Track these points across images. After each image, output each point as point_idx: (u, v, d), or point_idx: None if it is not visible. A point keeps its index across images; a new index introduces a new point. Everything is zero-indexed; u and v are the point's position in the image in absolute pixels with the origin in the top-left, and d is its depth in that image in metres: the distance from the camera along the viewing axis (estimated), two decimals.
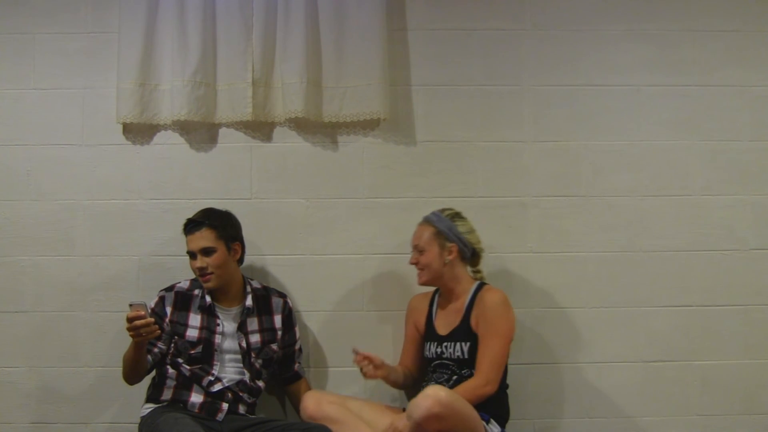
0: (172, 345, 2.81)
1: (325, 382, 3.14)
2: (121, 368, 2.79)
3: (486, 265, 3.13)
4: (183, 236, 2.85)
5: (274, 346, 2.89)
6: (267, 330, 2.89)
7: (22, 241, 3.12)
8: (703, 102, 3.22)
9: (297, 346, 3.00)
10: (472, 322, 2.75)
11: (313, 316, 3.15)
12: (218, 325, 2.81)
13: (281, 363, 2.96)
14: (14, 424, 3.09)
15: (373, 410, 2.77)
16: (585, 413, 3.16)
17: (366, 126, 3.18)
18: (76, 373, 3.10)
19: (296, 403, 2.94)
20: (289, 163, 3.18)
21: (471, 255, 2.86)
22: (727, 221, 3.20)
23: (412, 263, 2.84)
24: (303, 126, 3.17)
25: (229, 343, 2.82)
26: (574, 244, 3.18)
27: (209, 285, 2.80)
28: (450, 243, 2.80)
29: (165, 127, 3.15)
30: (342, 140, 3.19)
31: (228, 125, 3.16)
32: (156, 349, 2.80)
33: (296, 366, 3.01)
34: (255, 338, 2.85)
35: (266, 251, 3.14)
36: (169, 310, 2.83)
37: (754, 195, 3.21)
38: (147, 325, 2.54)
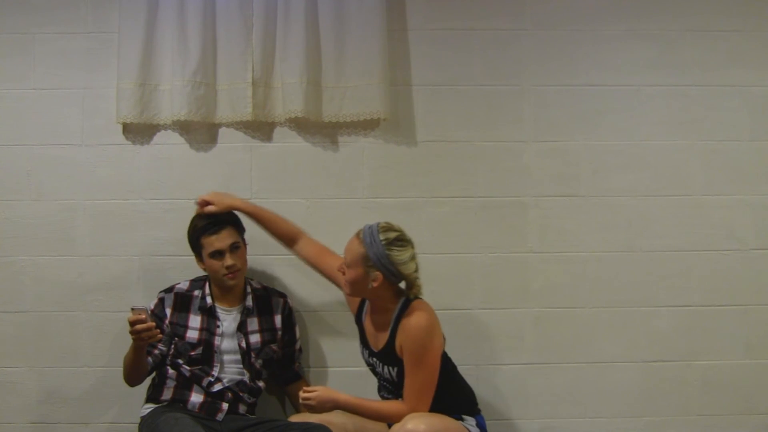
0: (172, 346, 2.81)
1: (324, 383, 3.14)
2: (121, 368, 2.79)
3: (486, 265, 3.15)
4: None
5: (274, 346, 2.89)
6: (267, 330, 2.89)
7: (22, 241, 3.12)
8: (703, 102, 3.22)
9: (297, 346, 3.00)
10: (397, 347, 2.58)
11: (313, 316, 3.15)
12: (218, 326, 2.81)
13: (281, 363, 2.96)
14: (14, 424, 3.09)
15: (359, 420, 2.75)
16: (585, 413, 3.16)
17: (366, 126, 3.18)
18: (76, 373, 3.10)
19: (296, 403, 2.94)
20: (289, 163, 3.18)
21: (404, 281, 2.61)
22: (727, 221, 3.20)
23: (338, 270, 2.67)
24: (303, 126, 3.17)
25: (229, 344, 2.82)
26: (574, 244, 3.18)
27: (234, 282, 2.79)
28: (376, 271, 2.55)
29: (165, 127, 3.15)
30: (342, 140, 3.19)
31: (228, 125, 3.16)
32: (156, 351, 2.80)
33: (296, 366, 3.01)
34: (255, 338, 2.85)
35: (266, 251, 3.13)
36: (168, 311, 2.83)
37: (754, 195, 3.21)
38: (149, 329, 2.54)
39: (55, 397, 3.11)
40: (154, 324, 2.56)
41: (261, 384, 2.88)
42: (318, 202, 3.17)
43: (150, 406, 2.78)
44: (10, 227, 3.13)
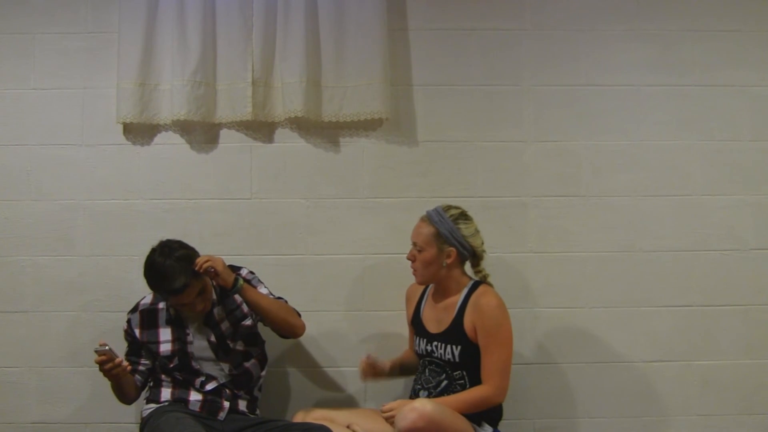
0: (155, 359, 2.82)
1: (325, 382, 3.14)
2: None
3: (486, 265, 3.14)
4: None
5: (247, 321, 2.83)
6: (232, 311, 2.82)
7: (22, 241, 3.12)
8: (703, 102, 3.23)
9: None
10: (466, 326, 2.66)
11: (313, 316, 3.14)
12: (188, 334, 2.79)
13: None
14: (14, 424, 3.10)
15: (362, 417, 2.76)
16: (585, 413, 3.16)
17: (366, 126, 3.18)
18: (76, 373, 3.10)
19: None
20: (289, 163, 3.18)
21: (471, 256, 2.76)
22: (727, 221, 3.20)
23: (408, 259, 2.77)
24: (303, 126, 3.17)
25: (202, 344, 2.79)
26: (574, 244, 3.18)
27: (206, 310, 2.76)
28: (449, 247, 2.69)
29: (165, 127, 3.15)
30: (342, 140, 3.19)
31: (228, 125, 3.16)
32: (141, 367, 2.80)
33: None
34: (225, 325, 2.80)
35: (266, 251, 3.14)
36: (137, 331, 2.80)
37: (754, 195, 3.21)
38: (117, 365, 2.57)
39: (55, 397, 3.11)
40: (120, 360, 2.59)
41: (248, 365, 2.83)
42: (318, 202, 3.17)
43: (151, 407, 2.77)
44: (10, 227, 3.13)
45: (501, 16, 3.22)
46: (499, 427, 2.73)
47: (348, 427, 2.69)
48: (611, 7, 3.23)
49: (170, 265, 2.62)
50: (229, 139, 3.17)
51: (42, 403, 3.10)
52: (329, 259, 3.16)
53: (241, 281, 2.73)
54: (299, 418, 2.75)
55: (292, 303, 3.00)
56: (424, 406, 2.45)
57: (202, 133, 3.16)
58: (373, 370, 2.79)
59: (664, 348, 3.18)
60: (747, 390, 3.17)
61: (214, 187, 3.16)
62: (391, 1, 3.16)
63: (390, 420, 2.54)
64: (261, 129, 3.17)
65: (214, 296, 2.81)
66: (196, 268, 2.64)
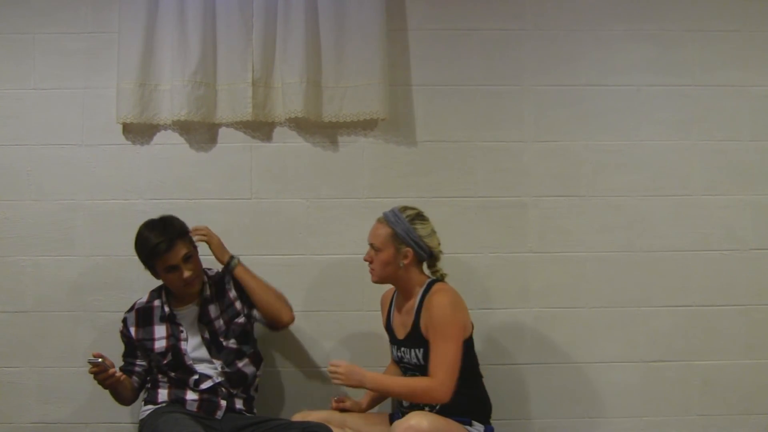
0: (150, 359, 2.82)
1: (323, 383, 3.14)
2: (119, 368, 2.79)
3: (486, 265, 3.15)
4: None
5: (240, 319, 2.84)
6: (226, 309, 2.83)
7: (22, 241, 3.12)
8: (703, 102, 3.23)
9: None
10: (422, 327, 2.63)
11: (313, 316, 3.15)
12: (182, 331, 2.80)
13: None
14: (14, 424, 3.10)
15: (358, 419, 2.77)
16: (585, 413, 3.16)
17: (366, 126, 3.18)
18: (76, 373, 3.10)
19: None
20: (289, 163, 3.18)
21: (429, 257, 2.73)
22: (727, 221, 3.20)
23: (366, 260, 2.74)
24: (303, 126, 3.17)
25: (195, 341, 2.80)
26: (574, 244, 3.18)
27: (193, 289, 2.78)
28: (406, 247, 2.67)
29: (165, 127, 3.15)
30: (342, 140, 3.19)
31: (228, 125, 3.16)
32: (137, 368, 2.81)
33: None
34: (219, 323, 2.81)
35: (266, 251, 3.14)
36: (133, 330, 2.81)
37: (754, 195, 3.21)
38: (111, 375, 2.59)
39: (55, 397, 3.11)
40: (114, 370, 2.61)
41: (241, 364, 2.82)
42: (318, 202, 3.17)
43: (149, 408, 2.77)
44: (10, 227, 3.13)
45: (501, 16, 3.22)
46: (499, 428, 2.73)
47: (343, 429, 2.69)
48: (611, 7, 3.23)
49: (155, 234, 2.72)
50: (229, 138, 3.17)
51: (42, 403, 3.10)
52: (329, 259, 3.16)
53: (236, 261, 2.84)
54: (296, 419, 2.75)
55: (291, 303, 3.00)
56: (420, 423, 2.42)
57: (202, 133, 3.17)
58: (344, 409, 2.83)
59: (664, 348, 3.17)
60: (747, 390, 3.17)
61: (214, 187, 3.16)
62: (391, 1, 3.16)
63: (334, 377, 2.55)
64: (261, 129, 3.17)
65: (208, 292, 2.82)
66: (191, 232, 2.77)
